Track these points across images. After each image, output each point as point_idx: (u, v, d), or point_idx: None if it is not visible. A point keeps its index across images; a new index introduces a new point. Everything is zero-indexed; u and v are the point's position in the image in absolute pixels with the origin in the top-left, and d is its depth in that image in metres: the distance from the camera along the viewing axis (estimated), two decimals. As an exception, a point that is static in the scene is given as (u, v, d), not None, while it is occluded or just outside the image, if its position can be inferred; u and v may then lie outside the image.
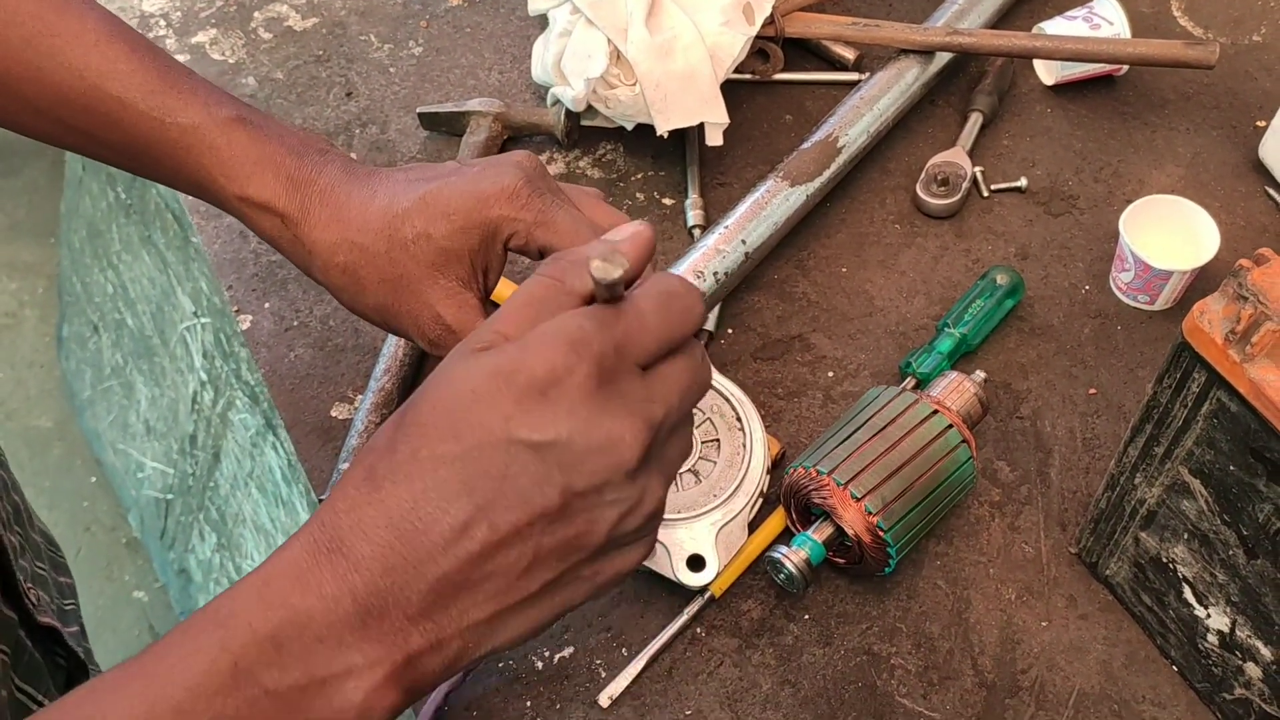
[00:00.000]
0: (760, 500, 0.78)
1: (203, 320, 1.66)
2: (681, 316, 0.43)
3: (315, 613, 0.39)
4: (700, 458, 0.78)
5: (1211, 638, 0.70)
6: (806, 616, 0.78)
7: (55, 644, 0.75)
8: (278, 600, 0.39)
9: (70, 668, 0.77)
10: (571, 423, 0.39)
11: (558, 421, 0.39)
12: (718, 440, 0.79)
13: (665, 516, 0.75)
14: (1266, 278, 0.57)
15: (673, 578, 0.75)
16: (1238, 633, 0.68)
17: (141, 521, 1.95)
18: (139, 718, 0.38)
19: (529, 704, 0.74)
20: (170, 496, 1.85)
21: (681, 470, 0.77)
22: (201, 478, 1.76)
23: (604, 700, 0.74)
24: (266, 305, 0.93)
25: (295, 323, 0.92)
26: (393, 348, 0.87)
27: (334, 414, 0.87)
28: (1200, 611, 0.70)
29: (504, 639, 0.42)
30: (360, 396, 0.87)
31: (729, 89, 0.93)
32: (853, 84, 1.01)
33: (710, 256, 0.87)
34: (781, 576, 0.75)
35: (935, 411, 0.77)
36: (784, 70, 1.04)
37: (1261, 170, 0.99)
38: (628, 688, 0.75)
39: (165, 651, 0.39)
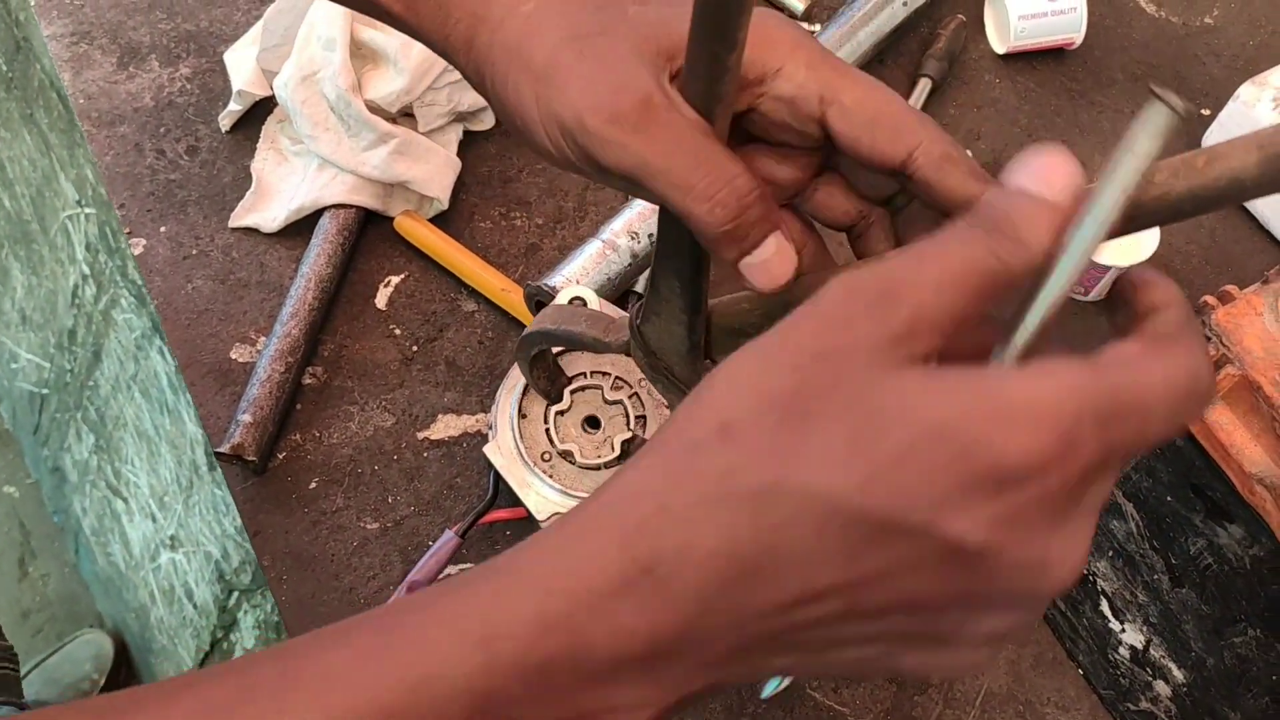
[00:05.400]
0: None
1: (87, 210, 1.56)
2: (1192, 414, 0.31)
3: (600, 647, 0.31)
4: (634, 434, 0.75)
5: (1124, 651, 0.70)
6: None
7: None
8: (559, 623, 0.31)
9: None
10: (1012, 534, 0.29)
11: (996, 529, 0.29)
12: (645, 416, 0.76)
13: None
14: (1231, 318, 0.55)
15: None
16: (1152, 651, 0.68)
17: (14, 414, 1.85)
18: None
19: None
20: (45, 391, 1.75)
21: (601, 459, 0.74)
22: (80, 375, 1.67)
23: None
24: (163, 229, 0.86)
25: (194, 251, 0.85)
26: (301, 290, 0.81)
27: (234, 356, 0.81)
28: (1115, 625, 0.70)
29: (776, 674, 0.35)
30: (264, 339, 0.81)
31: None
32: (803, 36, 0.96)
33: (646, 217, 0.82)
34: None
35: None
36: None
37: (1202, 162, 0.98)
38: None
39: (408, 663, 0.31)
